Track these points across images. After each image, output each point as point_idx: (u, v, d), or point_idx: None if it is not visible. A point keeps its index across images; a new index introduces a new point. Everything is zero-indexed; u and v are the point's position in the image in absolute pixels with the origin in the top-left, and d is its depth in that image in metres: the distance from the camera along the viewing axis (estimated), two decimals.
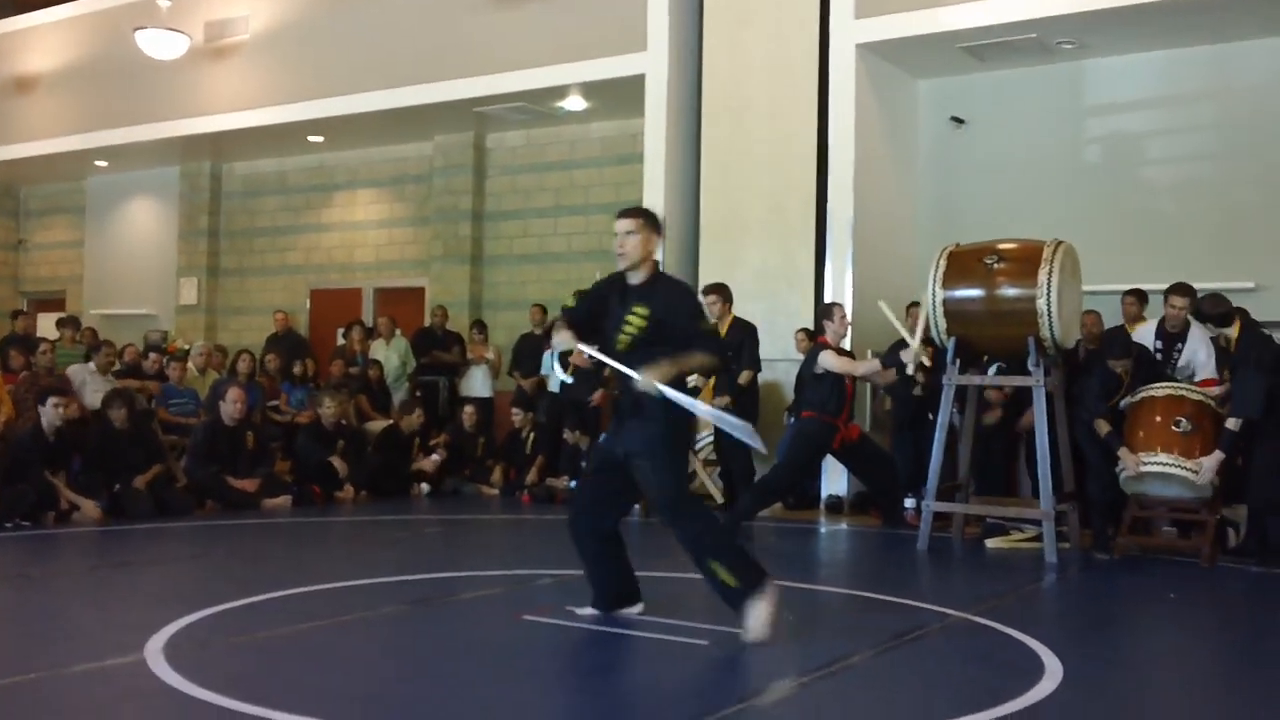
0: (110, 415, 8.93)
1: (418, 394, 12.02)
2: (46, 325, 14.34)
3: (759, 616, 4.57)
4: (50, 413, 8.34)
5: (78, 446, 9.01)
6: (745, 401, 9.28)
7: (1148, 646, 5.26)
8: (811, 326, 9.77)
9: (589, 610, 5.04)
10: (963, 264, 7.42)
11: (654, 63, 10.91)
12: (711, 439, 9.40)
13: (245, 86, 13.60)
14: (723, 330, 9.39)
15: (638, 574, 5.19)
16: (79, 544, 7.62)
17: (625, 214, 4.96)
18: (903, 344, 7.92)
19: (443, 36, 12.18)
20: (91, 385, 10.08)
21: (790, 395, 9.65)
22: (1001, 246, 7.42)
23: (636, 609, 5.07)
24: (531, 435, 10.90)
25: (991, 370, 7.99)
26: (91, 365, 10.33)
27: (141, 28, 13.11)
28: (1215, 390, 7.25)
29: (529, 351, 11.63)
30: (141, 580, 6.40)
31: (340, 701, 3.50)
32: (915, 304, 9.13)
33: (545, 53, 11.48)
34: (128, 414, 8.95)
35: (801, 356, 8.87)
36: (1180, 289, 7.70)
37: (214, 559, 7.18)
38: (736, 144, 10.62)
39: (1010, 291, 7.24)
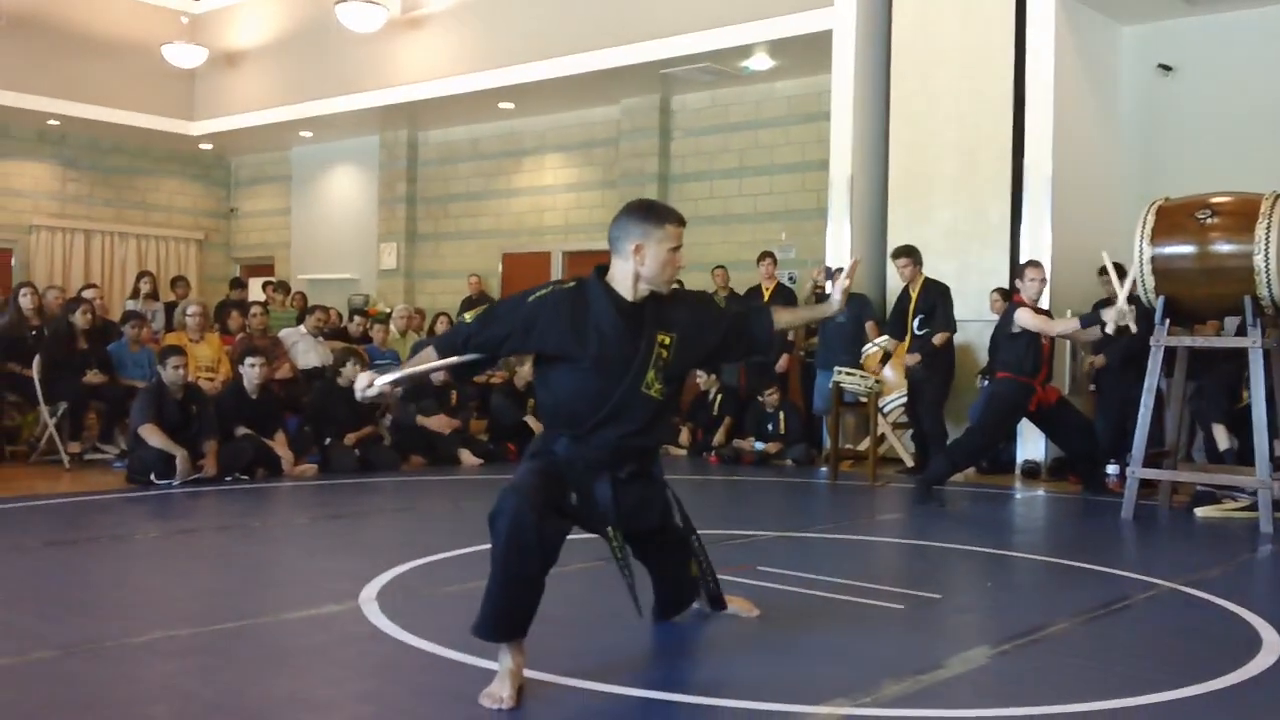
0: (342, 372, 9.16)
1: None
2: (256, 290, 15.13)
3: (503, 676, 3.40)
4: (249, 372, 8.81)
5: (291, 405, 9.50)
6: (940, 364, 9.12)
7: None
8: (1006, 285, 9.48)
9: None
10: (1172, 219, 7.06)
11: (842, 17, 10.70)
12: (903, 400, 9.24)
13: (439, 56, 13.96)
14: (914, 292, 9.23)
15: (829, 536, 5.16)
16: (293, 497, 8.05)
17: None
18: (1104, 303, 7.61)
19: None
20: (303, 346, 10.61)
21: (983, 357, 9.40)
22: (1214, 200, 7.03)
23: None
24: (719, 397, 10.94)
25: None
26: (303, 328, 10.85)
27: (342, 1, 13.58)
28: None
29: None
30: (353, 532, 6.72)
31: (544, 652, 3.61)
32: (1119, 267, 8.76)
33: (731, 11, 11.39)
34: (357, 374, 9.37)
35: (996, 317, 8.63)
36: None
37: (419, 512, 7.48)
38: (927, 98, 10.34)
39: (1224, 248, 6.86)
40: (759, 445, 10.27)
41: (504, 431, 10.34)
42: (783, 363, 10.55)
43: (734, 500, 8.43)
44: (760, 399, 10.40)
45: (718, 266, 11.92)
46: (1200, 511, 7.38)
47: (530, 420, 10.30)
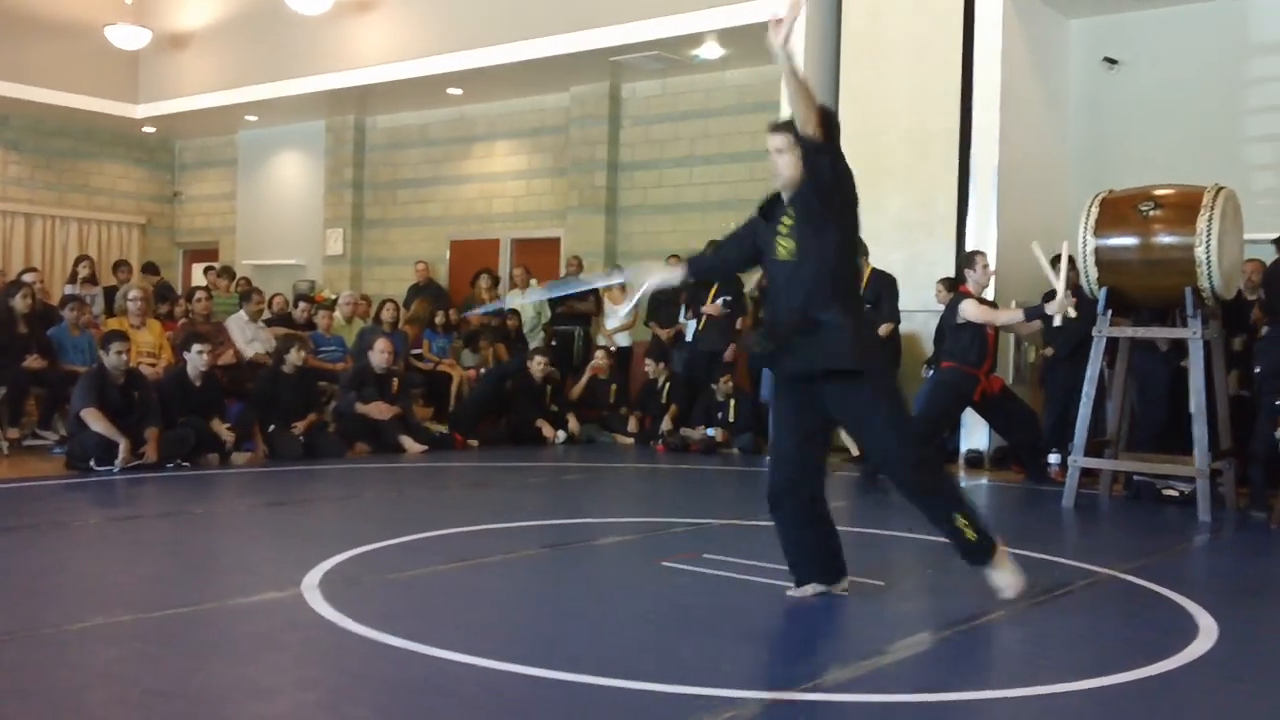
0: (286, 359, 9.16)
1: (552, 343, 12.18)
2: (183, 275, 14.86)
3: (1009, 571, 4.48)
4: (195, 359, 8.68)
5: (234, 391, 9.38)
6: (885, 355, 9.16)
7: None
8: (953, 275, 9.56)
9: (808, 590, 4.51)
10: (1116, 211, 7.16)
11: None
12: None
13: (387, 40, 13.83)
14: (862, 284, 9.26)
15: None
16: (236, 484, 7.95)
17: (775, 129, 4.39)
18: (1050, 295, 7.69)
19: None
20: (247, 333, 10.46)
21: (930, 347, 9.48)
22: (1158, 192, 7.14)
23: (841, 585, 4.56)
24: (667, 385, 10.96)
25: None
26: (244, 314, 10.70)
27: None
28: None
29: (666, 302, 11.67)
30: (296, 519, 6.65)
31: (485, 638, 3.60)
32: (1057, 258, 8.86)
33: None
34: (303, 359, 9.31)
35: (942, 307, 8.70)
36: None
37: (363, 501, 7.43)
38: (876, 88, 10.39)
39: (1167, 239, 6.97)
40: (709, 431, 10.30)
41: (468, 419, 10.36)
42: (730, 352, 10.59)
43: (681, 488, 8.45)
44: (714, 386, 10.43)
45: (671, 255, 11.87)
46: None
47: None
